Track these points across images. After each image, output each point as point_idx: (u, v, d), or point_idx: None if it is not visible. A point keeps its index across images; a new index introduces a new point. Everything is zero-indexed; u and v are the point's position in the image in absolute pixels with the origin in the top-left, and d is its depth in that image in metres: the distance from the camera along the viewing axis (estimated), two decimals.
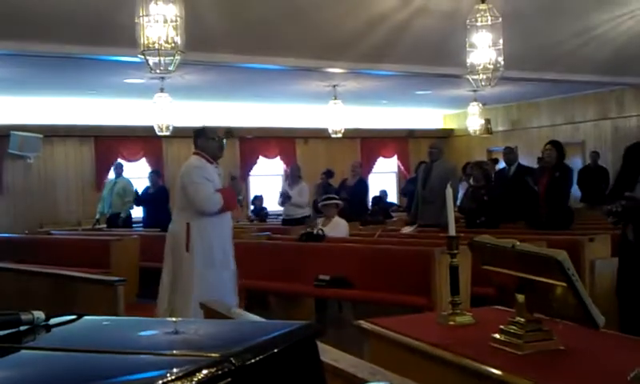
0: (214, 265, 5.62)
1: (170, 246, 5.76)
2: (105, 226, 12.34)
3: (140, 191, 12.64)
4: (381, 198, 14.48)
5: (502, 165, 11.67)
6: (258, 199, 14.82)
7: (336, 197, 8.92)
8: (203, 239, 5.62)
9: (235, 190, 6.16)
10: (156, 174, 12.89)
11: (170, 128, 12.24)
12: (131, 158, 14.99)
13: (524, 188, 8.76)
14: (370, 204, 13.69)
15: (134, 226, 12.57)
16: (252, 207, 14.89)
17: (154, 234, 10.54)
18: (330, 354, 2.25)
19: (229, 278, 5.73)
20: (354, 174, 11.86)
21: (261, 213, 14.29)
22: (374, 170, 17.91)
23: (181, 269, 5.61)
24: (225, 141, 5.95)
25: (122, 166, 12.83)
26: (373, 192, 14.69)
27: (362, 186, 11.88)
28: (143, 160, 15.17)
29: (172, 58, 7.22)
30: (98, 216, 12.67)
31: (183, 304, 5.49)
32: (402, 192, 15.34)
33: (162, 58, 7.20)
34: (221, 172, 5.90)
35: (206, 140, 5.82)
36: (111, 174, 13.37)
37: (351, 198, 8.97)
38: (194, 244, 5.59)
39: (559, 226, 7.93)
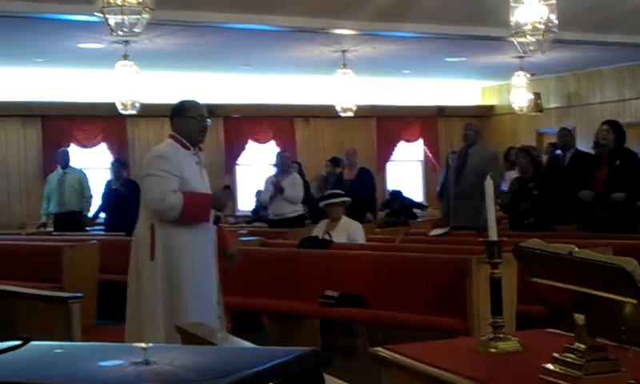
0: (181, 280, 5.53)
1: (133, 252, 5.74)
2: (52, 229, 12.36)
3: (100, 185, 12.67)
4: (399, 194, 14.47)
5: (556, 151, 11.65)
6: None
7: (342, 193, 8.90)
8: (169, 247, 5.52)
9: (219, 201, 6.00)
10: (121, 165, 12.91)
11: (137, 105, 12.26)
12: (87, 144, 15.03)
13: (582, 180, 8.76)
14: (386, 201, 13.65)
15: (91, 229, 12.60)
16: (253, 205, 14.72)
17: (117, 238, 10.56)
18: None
19: (205, 299, 5.63)
20: (351, 164, 11.84)
21: (261, 213, 14.18)
22: (392, 158, 17.92)
23: (142, 280, 5.57)
24: (209, 120, 5.84)
25: (68, 153, 12.80)
26: (381, 186, 14.69)
27: (366, 178, 11.81)
28: (103, 146, 15.20)
29: (138, 16, 7.24)
30: (44, 219, 12.70)
31: (150, 326, 5.48)
32: (439, 194, 15.26)
33: (125, 17, 7.22)
34: (200, 159, 5.81)
35: (183, 119, 5.66)
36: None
37: (353, 195, 8.92)
38: (158, 251, 5.52)
39: (623, 229, 7.93)
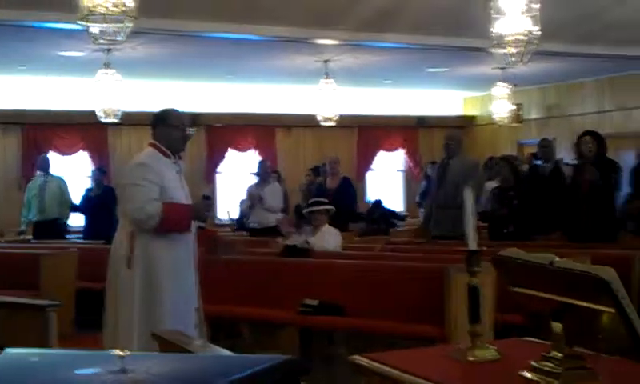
0: (159, 288, 5.48)
1: (111, 260, 5.71)
2: (31, 236, 12.30)
3: (79, 193, 12.62)
4: (380, 203, 14.50)
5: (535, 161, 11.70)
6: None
7: (325, 201, 8.92)
8: (148, 256, 5.48)
9: (199, 212, 5.97)
10: (101, 173, 12.88)
11: (118, 114, 12.22)
12: (67, 151, 14.97)
13: (562, 190, 8.80)
14: (368, 210, 13.67)
15: (70, 236, 12.54)
16: (237, 214, 14.68)
17: (95, 246, 10.52)
18: None
19: (183, 307, 5.60)
20: (334, 173, 11.85)
21: (244, 221, 14.09)
22: (373, 167, 17.96)
23: (119, 288, 5.54)
24: (192, 130, 5.82)
25: (48, 160, 12.76)
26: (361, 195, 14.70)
27: (347, 187, 11.84)
28: (83, 154, 15.14)
29: (121, 25, 7.22)
30: (23, 226, 12.63)
31: (126, 333, 5.44)
32: (418, 203, 15.31)
33: (108, 26, 7.19)
34: (181, 168, 5.79)
35: (165, 128, 5.64)
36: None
37: (336, 204, 8.94)
38: (136, 259, 5.49)
39: (603, 238, 7.98)
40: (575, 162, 10.54)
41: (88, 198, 12.46)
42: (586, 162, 8.48)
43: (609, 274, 2.50)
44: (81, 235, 12.55)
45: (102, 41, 7.52)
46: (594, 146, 8.31)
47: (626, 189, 9.46)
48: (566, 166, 10.20)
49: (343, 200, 11.14)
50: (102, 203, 12.05)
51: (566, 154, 13.21)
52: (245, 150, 16.62)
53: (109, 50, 10.91)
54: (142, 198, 5.41)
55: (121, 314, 5.51)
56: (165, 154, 5.62)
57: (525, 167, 11.97)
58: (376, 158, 17.99)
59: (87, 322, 8.91)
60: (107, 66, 11.71)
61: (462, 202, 3.42)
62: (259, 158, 16.14)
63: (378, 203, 14.53)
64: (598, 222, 8.16)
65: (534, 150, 12.19)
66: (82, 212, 12.58)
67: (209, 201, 5.95)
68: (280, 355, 1.65)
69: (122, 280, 5.51)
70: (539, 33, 8.37)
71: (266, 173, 11.29)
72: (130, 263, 5.47)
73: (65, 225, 12.47)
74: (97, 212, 12.11)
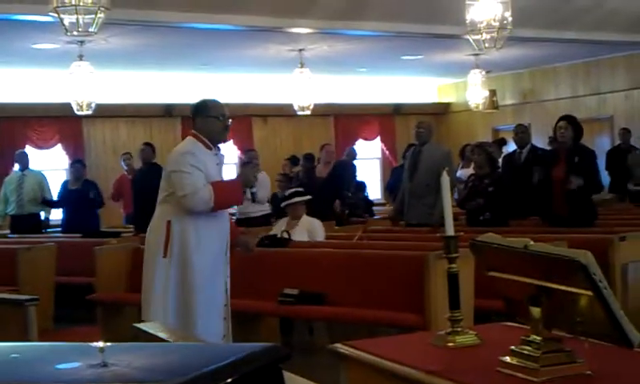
0: (194, 281, 5.50)
1: (147, 248, 5.74)
2: (8, 231, 12.23)
3: (56, 186, 12.54)
4: (363, 187, 14.42)
5: (511, 147, 11.75)
6: None
7: (302, 190, 8.90)
8: (185, 245, 5.52)
9: (247, 178, 6.01)
10: (81, 165, 12.81)
11: (92, 106, 12.15)
12: (43, 145, 14.88)
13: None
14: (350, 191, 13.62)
15: (49, 230, 12.47)
16: None
17: (75, 240, 10.47)
18: None
19: (218, 301, 5.66)
20: (328, 161, 11.87)
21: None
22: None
23: (154, 279, 5.56)
24: (230, 121, 5.83)
25: (27, 155, 12.71)
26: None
27: (340, 171, 11.86)
28: (58, 147, 15.06)
29: (94, 16, 7.19)
30: (0, 221, 12.55)
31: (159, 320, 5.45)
32: (387, 187, 15.33)
33: (80, 17, 7.16)
34: (221, 160, 5.82)
35: (206, 119, 5.67)
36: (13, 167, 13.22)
37: (323, 192, 8.96)
38: (173, 249, 5.51)
39: (581, 223, 8.01)
40: (549, 147, 10.59)
41: (66, 191, 12.37)
42: (560, 149, 8.48)
43: (586, 257, 2.52)
44: (59, 229, 12.47)
45: (74, 32, 7.48)
46: (569, 131, 8.32)
47: (603, 173, 9.47)
48: (541, 151, 10.25)
49: (332, 187, 11.23)
50: (81, 197, 11.98)
51: (540, 140, 13.29)
52: None
53: (82, 42, 10.84)
54: (194, 185, 5.47)
55: (153, 309, 5.52)
56: (206, 146, 5.65)
57: (502, 151, 12.05)
58: (354, 147, 17.96)
59: (66, 316, 8.90)
60: (81, 57, 11.65)
61: (437, 190, 3.44)
62: (235, 149, 16.17)
63: (362, 185, 14.44)
64: (575, 207, 8.18)
65: (510, 136, 12.24)
66: (60, 206, 12.50)
67: (252, 164, 5.97)
68: (259, 343, 1.65)
69: (157, 268, 5.54)
70: (511, 18, 8.42)
71: (252, 163, 11.24)
72: (165, 252, 5.51)
73: (45, 219, 12.39)
74: (76, 206, 12.03)
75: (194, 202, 5.48)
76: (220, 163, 5.78)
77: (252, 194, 6.03)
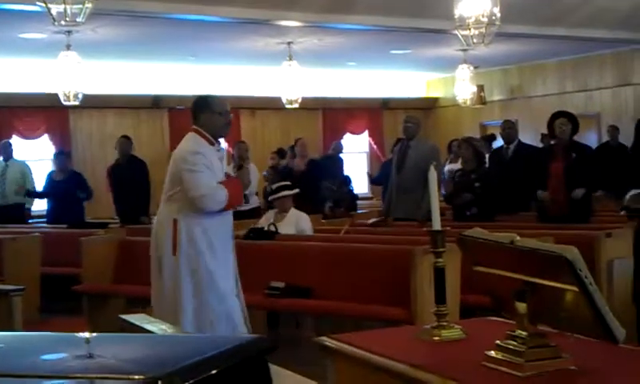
0: (207, 274, 5.55)
1: (152, 248, 5.74)
2: None
3: (41, 176, 12.49)
4: (348, 181, 14.42)
5: (498, 143, 11.77)
6: None
7: (290, 184, 8.90)
8: (193, 241, 5.56)
9: (243, 180, 6.08)
10: (65, 156, 12.76)
11: (79, 96, 12.09)
12: (30, 135, 14.81)
13: (526, 172, 8.83)
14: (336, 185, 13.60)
15: (32, 221, 12.44)
16: None
17: (60, 231, 10.44)
18: (284, 378, 2.26)
19: (230, 293, 5.68)
20: (303, 154, 11.90)
21: None
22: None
23: (165, 276, 5.58)
24: (231, 115, 5.87)
25: (11, 145, 12.67)
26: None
27: (314, 169, 11.89)
28: (45, 137, 15.00)
29: (81, 6, 7.16)
30: None
31: (179, 318, 5.46)
32: (372, 180, 15.33)
33: (68, 7, 7.14)
34: (223, 154, 5.85)
35: (210, 114, 5.69)
36: None
37: (302, 186, 9.00)
38: (182, 247, 5.53)
39: (577, 221, 8.01)
40: (541, 144, 10.58)
41: (51, 182, 12.33)
42: (557, 146, 8.47)
43: (572, 253, 2.53)
44: (44, 220, 12.43)
45: (62, 22, 7.46)
46: (568, 127, 8.31)
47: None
48: (528, 147, 10.27)
49: (310, 182, 11.19)
50: (66, 187, 11.95)
51: (528, 136, 13.33)
52: None
53: (69, 31, 10.79)
54: (209, 185, 5.54)
55: (165, 309, 5.52)
56: (209, 141, 5.69)
57: (490, 146, 12.06)
58: (342, 141, 17.96)
59: (52, 307, 8.88)
60: (68, 47, 11.59)
61: (424, 185, 3.45)
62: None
63: (345, 180, 14.43)
64: (571, 206, 8.16)
65: (498, 131, 12.26)
66: (45, 196, 12.46)
67: (243, 169, 5.99)
68: (245, 335, 1.66)
69: (168, 266, 5.57)
70: (499, 14, 8.44)
71: (242, 156, 11.20)
72: (174, 250, 5.53)
73: (27, 210, 12.35)
74: (61, 197, 12.00)
75: (211, 202, 5.55)
76: (222, 158, 5.83)
77: (244, 195, 6.09)
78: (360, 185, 17.21)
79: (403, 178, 9.08)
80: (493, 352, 2.75)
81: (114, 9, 9.46)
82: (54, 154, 12.88)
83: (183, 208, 5.59)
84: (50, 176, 12.47)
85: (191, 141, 5.74)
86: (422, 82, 19.20)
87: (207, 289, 5.55)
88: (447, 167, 12.31)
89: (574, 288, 2.54)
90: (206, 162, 5.58)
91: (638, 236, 4.97)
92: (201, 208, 5.56)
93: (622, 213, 5.02)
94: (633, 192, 5.00)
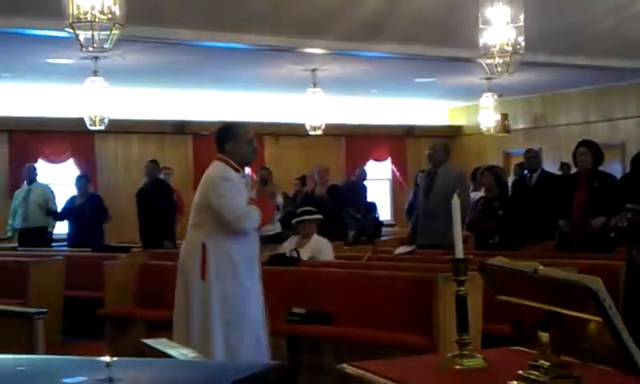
0: (236, 299, 5.58)
1: (180, 274, 5.74)
2: (17, 244, 12.27)
3: (63, 200, 12.57)
4: (373, 208, 14.36)
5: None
6: None
7: (314, 210, 8.90)
8: (222, 266, 5.59)
9: (270, 191, 6.14)
10: (85, 180, 12.85)
11: (105, 121, 12.18)
12: (56, 159, 14.93)
13: (549, 201, 8.78)
14: (360, 212, 13.53)
15: (55, 244, 12.51)
16: None
17: (83, 254, 10.48)
18: None
19: (258, 318, 5.71)
20: (323, 181, 11.89)
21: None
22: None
23: (194, 303, 5.58)
24: (256, 143, 5.92)
25: (35, 169, 12.80)
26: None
27: (336, 196, 11.87)
28: (70, 161, 15.11)
29: (109, 32, 7.21)
30: (9, 233, 12.59)
31: (206, 345, 5.46)
32: (407, 212, 15.18)
33: (95, 33, 7.19)
34: (249, 181, 5.89)
35: (237, 143, 5.73)
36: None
37: (323, 212, 8.99)
38: (210, 271, 5.54)
39: (599, 251, 7.94)
40: (559, 172, 10.54)
41: (72, 205, 12.40)
42: (581, 174, 8.40)
43: (596, 283, 2.50)
44: (65, 243, 12.50)
45: (89, 48, 7.51)
46: (589, 157, 8.25)
47: None
48: (551, 176, 10.23)
49: (331, 210, 11.15)
50: (84, 211, 12.02)
51: (551, 165, 13.27)
52: None
53: (96, 57, 10.89)
54: (242, 207, 5.62)
55: (195, 334, 5.52)
56: (235, 169, 5.73)
57: (511, 178, 12.01)
58: (365, 168, 17.96)
59: (75, 330, 8.89)
60: (95, 73, 11.69)
61: (450, 212, 3.43)
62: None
63: (371, 206, 14.38)
64: (593, 236, 8.09)
65: (521, 160, 12.21)
66: (65, 218, 12.52)
67: (267, 186, 6.00)
68: (267, 362, 1.65)
69: (196, 292, 5.58)
70: (524, 43, 8.43)
71: (266, 182, 11.23)
72: (203, 275, 5.53)
73: (49, 233, 12.42)
74: (81, 220, 12.07)
75: (246, 223, 5.63)
76: (248, 184, 5.88)
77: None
78: (384, 212, 17.19)
79: (430, 205, 9.07)
80: (515, 382, 2.72)
81: (141, 36, 9.55)
82: (75, 178, 12.98)
83: (212, 233, 5.62)
84: (73, 200, 12.55)
85: (218, 168, 5.76)
86: (445, 110, 19.20)
87: (236, 313, 5.56)
88: (471, 195, 12.27)
89: (598, 318, 2.52)
90: (235, 187, 5.63)
91: (629, 261, 4.92)
92: (237, 230, 5.59)
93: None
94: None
